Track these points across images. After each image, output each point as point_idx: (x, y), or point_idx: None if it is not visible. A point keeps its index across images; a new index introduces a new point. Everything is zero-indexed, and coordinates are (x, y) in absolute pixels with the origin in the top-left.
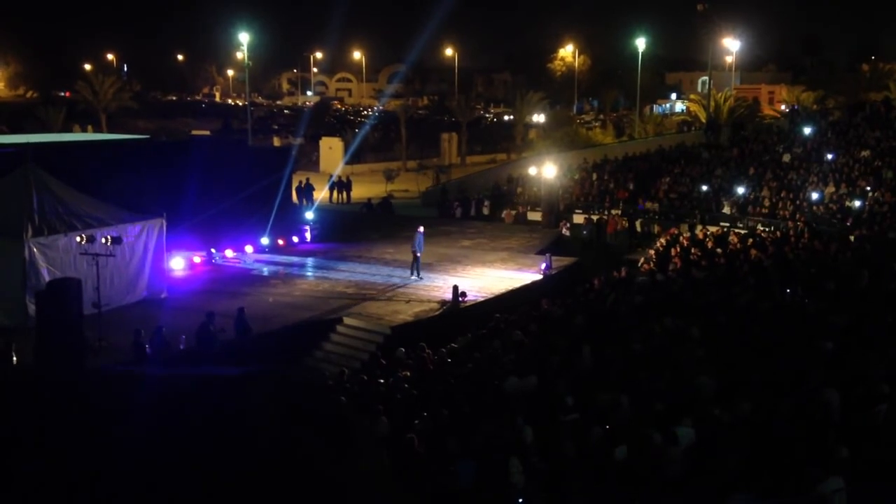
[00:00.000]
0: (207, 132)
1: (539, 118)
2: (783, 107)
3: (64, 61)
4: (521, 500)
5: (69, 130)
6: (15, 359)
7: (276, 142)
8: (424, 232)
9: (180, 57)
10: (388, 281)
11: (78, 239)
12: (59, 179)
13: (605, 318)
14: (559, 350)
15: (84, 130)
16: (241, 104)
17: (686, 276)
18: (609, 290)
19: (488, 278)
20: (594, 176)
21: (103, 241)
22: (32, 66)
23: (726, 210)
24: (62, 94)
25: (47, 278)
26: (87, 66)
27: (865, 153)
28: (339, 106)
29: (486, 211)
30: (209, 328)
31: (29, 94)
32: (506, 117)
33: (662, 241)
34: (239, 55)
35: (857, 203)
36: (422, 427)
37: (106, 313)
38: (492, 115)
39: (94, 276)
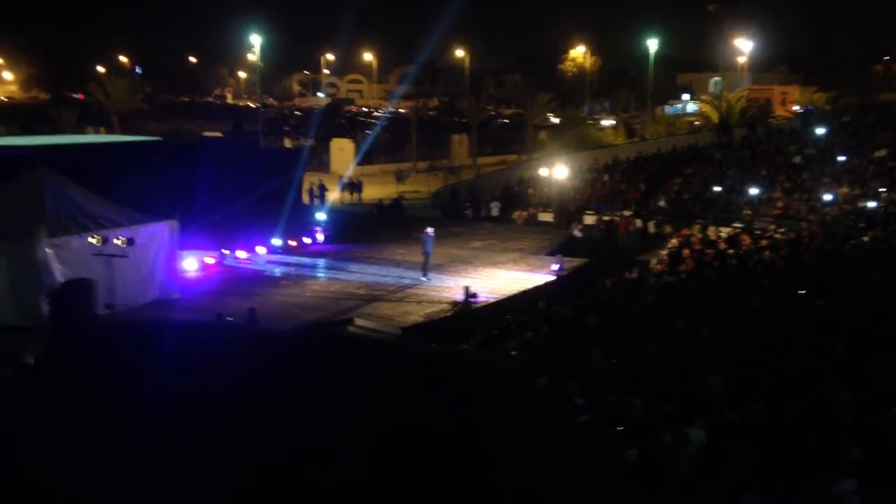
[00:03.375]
0: (219, 134)
1: (549, 119)
2: (795, 107)
3: (76, 63)
4: None
5: (82, 132)
6: (32, 362)
7: (288, 143)
8: (433, 233)
9: (192, 59)
10: (399, 282)
11: (91, 240)
12: (72, 181)
13: (617, 319)
14: (570, 351)
15: (97, 132)
16: (252, 106)
17: (698, 277)
18: (620, 291)
19: (499, 279)
20: (605, 177)
21: (116, 242)
22: (45, 68)
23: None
24: (75, 95)
25: (60, 279)
26: (100, 68)
27: (881, 153)
28: (350, 109)
29: (494, 212)
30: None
31: (42, 96)
32: (516, 112)
33: (674, 241)
34: (250, 57)
35: (871, 204)
36: None
37: (119, 314)
38: (505, 119)
39: (107, 277)
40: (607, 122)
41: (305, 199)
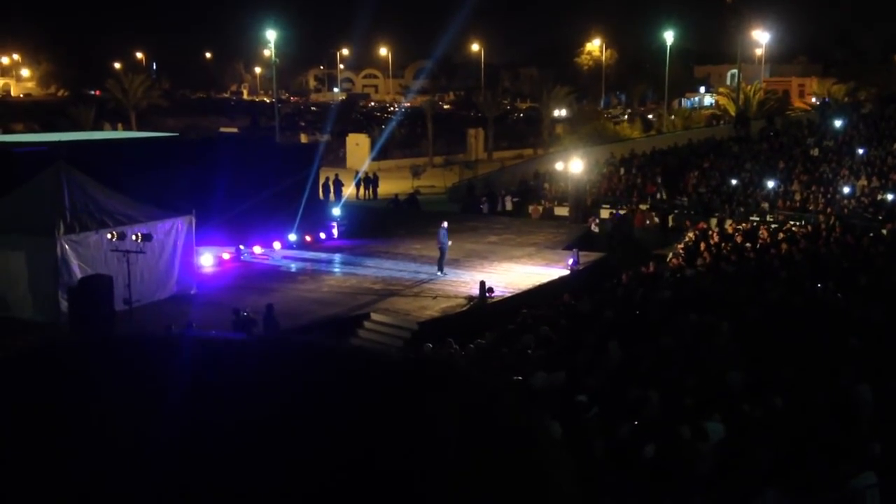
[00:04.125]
0: (235, 129)
1: (564, 112)
2: (814, 99)
3: (94, 60)
4: None
5: (100, 128)
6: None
7: (304, 138)
8: (448, 227)
9: (208, 55)
10: (415, 277)
11: (109, 236)
12: (91, 177)
13: (634, 313)
14: (587, 345)
15: (114, 128)
16: (268, 101)
17: (715, 270)
18: (637, 286)
19: (515, 274)
20: (622, 171)
21: (134, 237)
22: (63, 65)
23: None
24: (92, 92)
25: (79, 275)
26: (117, 65)
27: None
28: (366, 104)
29: (510, 207)
30: (245, 316)
31: (60, 93)
32: (532, 106)
33: (691, 235)
34: (266, 53)
35: (890, 196)
36: None
37: (137, 310)
38: (520, 114)
39: (124, 273)
40: (616, 112)
41: (321, 194)
